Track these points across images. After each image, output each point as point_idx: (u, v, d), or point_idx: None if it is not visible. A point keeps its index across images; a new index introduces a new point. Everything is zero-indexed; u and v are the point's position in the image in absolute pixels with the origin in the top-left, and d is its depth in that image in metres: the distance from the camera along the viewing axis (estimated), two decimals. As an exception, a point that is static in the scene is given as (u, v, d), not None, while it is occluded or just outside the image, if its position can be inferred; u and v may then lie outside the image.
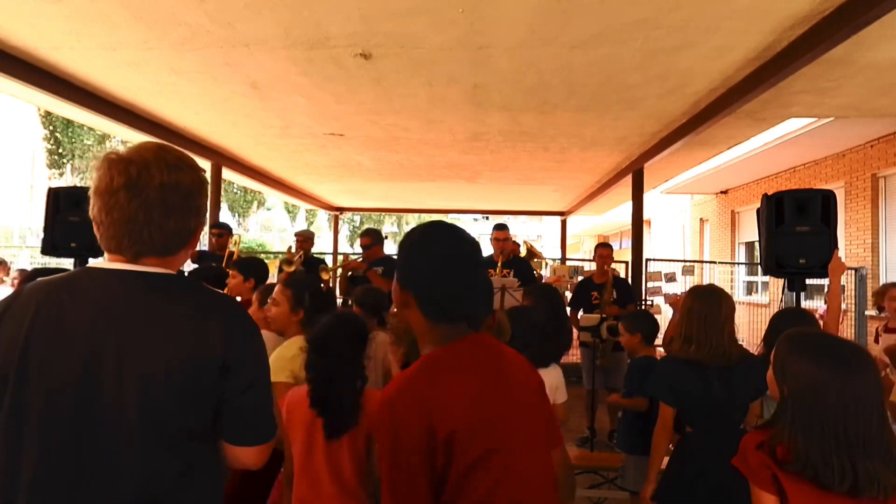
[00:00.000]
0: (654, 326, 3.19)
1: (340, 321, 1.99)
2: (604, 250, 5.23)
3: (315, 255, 5.97)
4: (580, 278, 6.01)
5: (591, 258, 5.59)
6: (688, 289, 2.53)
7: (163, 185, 1.03)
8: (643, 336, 3.05)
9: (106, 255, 1.09)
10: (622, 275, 6.47)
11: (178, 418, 1.01)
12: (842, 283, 6.90)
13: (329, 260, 11.22)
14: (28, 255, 11.56)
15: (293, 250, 5.51)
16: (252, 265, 3.45)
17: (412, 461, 0.90)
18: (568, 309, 5.66)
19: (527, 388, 1.10)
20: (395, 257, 1.13)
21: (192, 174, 1.09)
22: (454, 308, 1.06)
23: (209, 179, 6.26)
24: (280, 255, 6.60)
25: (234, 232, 5.54)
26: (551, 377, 2.44)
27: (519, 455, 0.99)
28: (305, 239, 5.71)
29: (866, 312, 6.69)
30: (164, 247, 1.07)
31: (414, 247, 1.11)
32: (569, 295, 5.74)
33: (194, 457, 1.04)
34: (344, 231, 26.90)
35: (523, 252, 6.28)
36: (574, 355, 5.70)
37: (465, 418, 0.93)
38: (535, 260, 6.33)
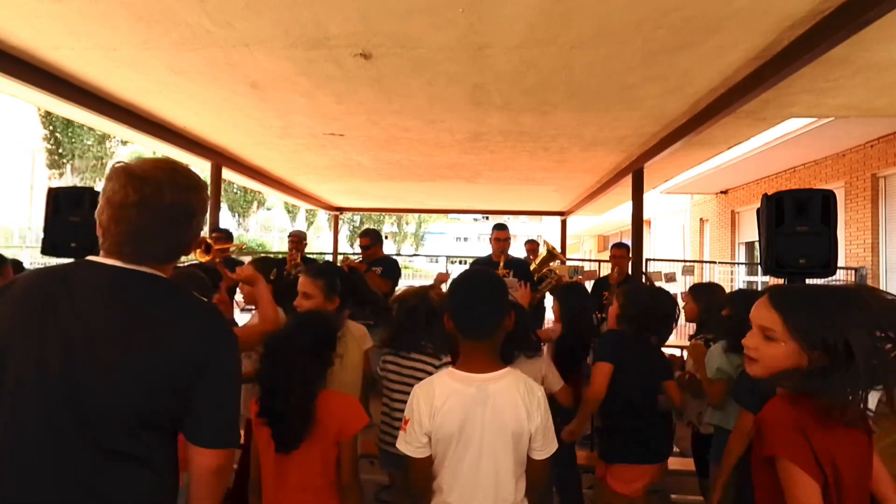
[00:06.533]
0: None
1: (301, 326, 1.91)
2: (617, 251, 5.20)
3: (307, 255, 5.97)
4: (579, 277, 6.01)
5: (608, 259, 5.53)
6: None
7: (172, 204, 1.13)
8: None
9: (102, 254, 1.15)
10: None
11: (144, 407, 1.07)
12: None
13: (329, 260, 11.22)
14: (28, 255, 11.56)
15: (288, 252, 5.50)
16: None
17: None
18: None
19: None
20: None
21: (199, 195, 1.20)
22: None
23: (209, 179, 6.28)
24: (280, 255, 6.60)
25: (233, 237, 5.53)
26: (534, 369, 2.47)
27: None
28: (300, 240, 5.70)
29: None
30: (163, 256, 1.19)
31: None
32: None
33: (148, 451, 1.10)
34: (344, 231, 26.91)
35: (543, 252, 6.25)
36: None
37: None
38: (558, 262, 6.22)
